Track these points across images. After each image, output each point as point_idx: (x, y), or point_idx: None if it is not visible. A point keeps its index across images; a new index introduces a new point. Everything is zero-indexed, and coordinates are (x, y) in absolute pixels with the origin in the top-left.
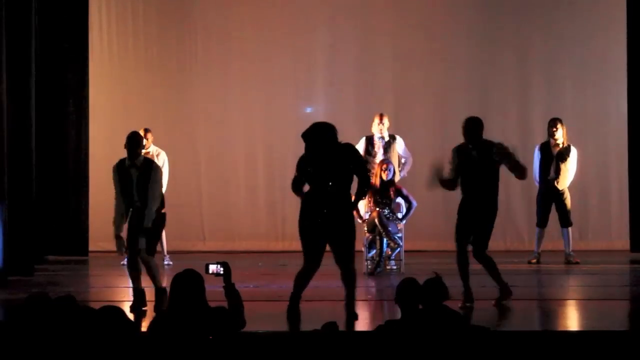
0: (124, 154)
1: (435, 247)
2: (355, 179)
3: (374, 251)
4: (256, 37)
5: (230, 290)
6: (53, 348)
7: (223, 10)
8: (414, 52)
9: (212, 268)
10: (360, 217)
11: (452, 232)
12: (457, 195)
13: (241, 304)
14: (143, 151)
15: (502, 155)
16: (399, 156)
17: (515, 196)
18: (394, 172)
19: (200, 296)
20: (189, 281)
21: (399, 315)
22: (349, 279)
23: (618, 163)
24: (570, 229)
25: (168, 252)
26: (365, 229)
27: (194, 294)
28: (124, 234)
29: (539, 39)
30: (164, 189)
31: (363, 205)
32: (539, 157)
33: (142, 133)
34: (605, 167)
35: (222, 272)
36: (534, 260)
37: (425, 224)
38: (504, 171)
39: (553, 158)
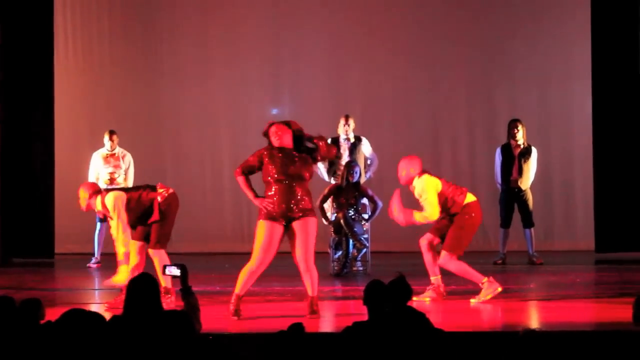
0: (88, 155)
1: (402, 249)
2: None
3: (340, 252)
4: (222, 38)
5: (186, 293)
6: (18, 352)
7: (189, 11)
8: (379, 54)
9: (169, 270)
10: (326, 219)
11: (418, 233)
12: None
13: (197, 307)
14: (108, 152)
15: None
16: (364, 157)
17: (480, 196)
18: (360, 174)
19: (155, 300)
20: (144, 285)
21: (366, 317)
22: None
23: (583, 163)
24: (532, 229)
25: None
26: (332, 230)
27: (149, 298)
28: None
29: (502, 39)
30: None
31: (329, 207)
32: (501, 158)
33: (107, 135)
34: (570, 167)
35: (178, 275)
36: (500, 261)
37: (391, 225)
38: (469, 173)
39: (514, 159)
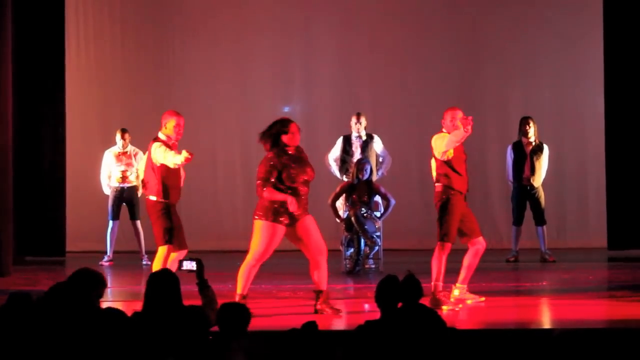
0: (100, 154)
1: (414, 246)
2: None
3: (352, 250)
4: (233, 35)
5: (203, 286)
6: (34, 348)
7: (200, 9)
8: (391, 51)
9: (185, 264)
10: (338, 216)
11: (431, 230)
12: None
13: (215, 301)
14: (120, 151)
15: None
16: (376, 155)
17: (492, 195)
18: (371, 171)
19: (176, 296)
20: (165, 281)
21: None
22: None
23: (595, 161)
24: (545, 227)
25: (146, 252)
26: (344, 227)
27: (170, 294)
28: None
29: (515, 37)
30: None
31: (341, 205)
32: (512, 156)
33: (119, 134)
34: (583, 165)
35: (194, 269)
36: (512, 259)
37: (404, 222)
38: (481, 171)
39: (527, 156)
